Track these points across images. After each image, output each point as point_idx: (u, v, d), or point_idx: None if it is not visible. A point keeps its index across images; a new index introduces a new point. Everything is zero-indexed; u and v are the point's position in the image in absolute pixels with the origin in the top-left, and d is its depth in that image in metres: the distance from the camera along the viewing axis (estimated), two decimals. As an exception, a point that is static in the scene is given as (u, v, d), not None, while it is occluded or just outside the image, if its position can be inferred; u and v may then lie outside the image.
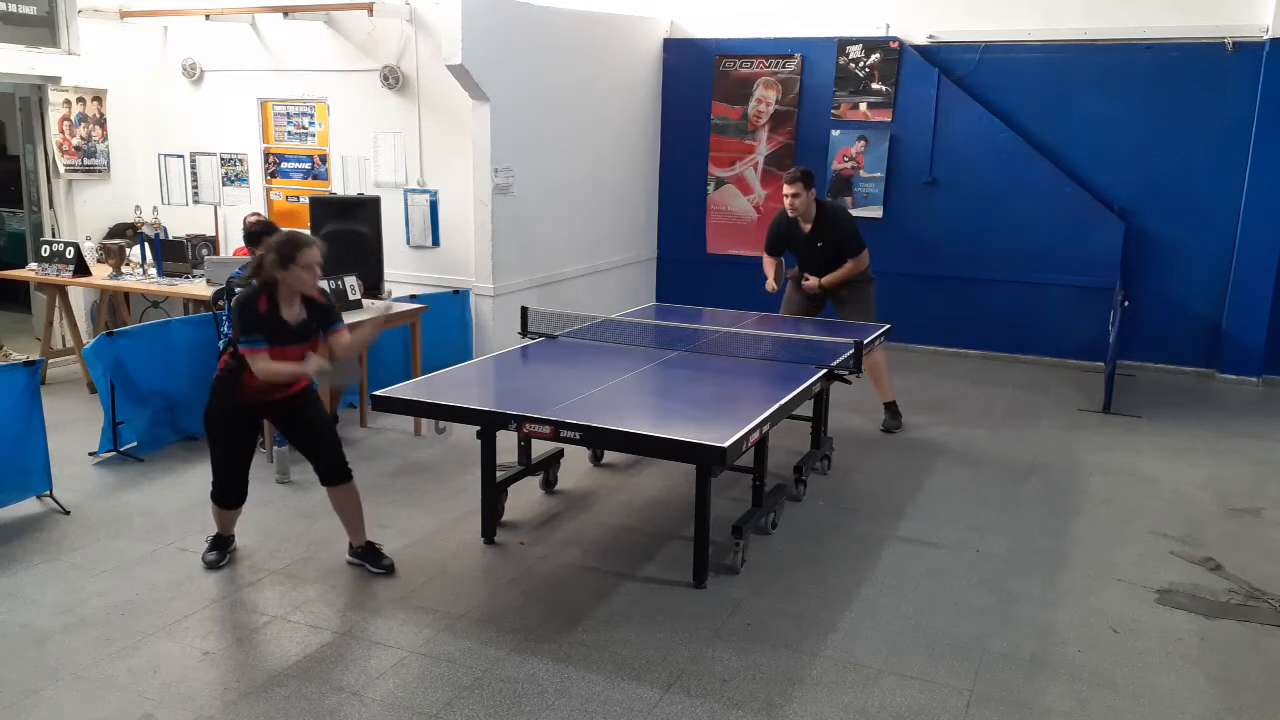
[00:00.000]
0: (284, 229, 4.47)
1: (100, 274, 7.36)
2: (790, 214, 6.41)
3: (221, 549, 4.47)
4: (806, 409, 5.47)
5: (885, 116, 8.76)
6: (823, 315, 6.74)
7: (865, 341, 5.39)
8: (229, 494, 4.34)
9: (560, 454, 5.46)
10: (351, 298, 6.04)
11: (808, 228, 6.42)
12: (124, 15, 8.28)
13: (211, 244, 7.57)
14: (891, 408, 6.70)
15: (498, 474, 4.84)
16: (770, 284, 6.61)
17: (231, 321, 4.29)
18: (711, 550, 4.37)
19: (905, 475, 5.79)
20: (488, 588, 4.31)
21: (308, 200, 7.48)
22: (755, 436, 4.14)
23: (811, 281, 6.51)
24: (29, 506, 4.98)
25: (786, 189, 6.33)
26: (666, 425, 4.21)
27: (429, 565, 4.47)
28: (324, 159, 8.23)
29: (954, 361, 8.71)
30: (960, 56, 8.52)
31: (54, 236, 7.88)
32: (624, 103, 9.02)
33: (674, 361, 5.27)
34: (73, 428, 6.14)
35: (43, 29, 7.69)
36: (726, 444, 3.82)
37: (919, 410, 7.00)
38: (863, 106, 8.82)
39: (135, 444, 5.80)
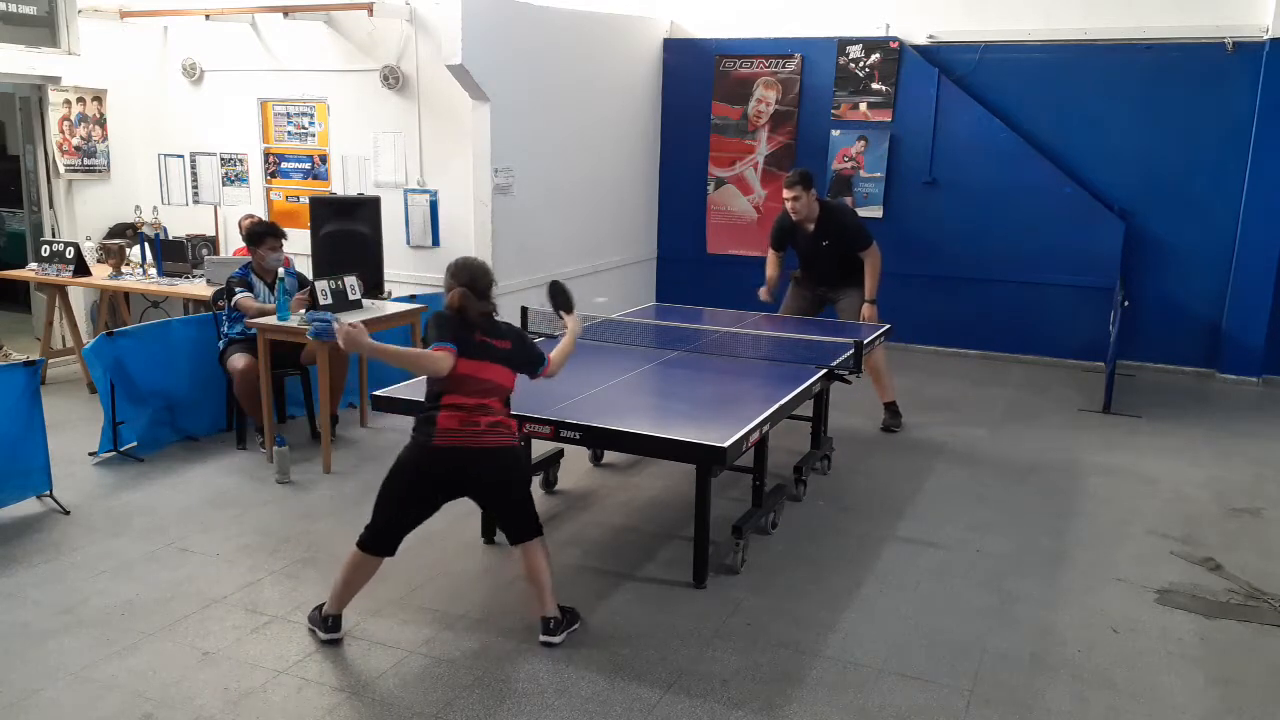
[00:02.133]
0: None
1: (100, 274, 7.36)
2: (793, 217, 6.41)
3: (334, 628, 3.85)
4: (806, 409, 5.47)
5: (885, 116, 8.76)
6: (822, 316, 6.75)
7: (865, 341, 5.39)
8: (380, 540, 3.75)
9: (560, 454, 5.46)
10: (351, 298, 6.04)
11: (811, 227, 6.44)
12: (124, 15, 8.28)
13: (211, 244, 7.58)
14: (892, 407, 6.70)
15: (498, 474, 4.83)
16: (764, 292, 6.60)
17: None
18: (711, 550, 4.37)
19: (905, 475, 5.79)
20: (488, 588, 4.31)
21: (308, 200, 7.48)
22: (755, 436, 4.14)
23: (867, 311, 6.42)
24: (29, 506, 4.98)
25: (786, 193, 6.34)
26: (666, 425, 4.21)
27: (429, 565, 4.46)
28: (324, 159, 8.24)
29: (954, 361, 8.71)
30: (960, 56, 8.52)
31: (54, 236, 7.89)
32: (624, 103, 9.02)
33: (674, 361, 5.27)
34: (73, 428, 6.13)
35: (43, 29, 7.69)
36: (726, 444, 3.82)
37: (919, 410, 7.00)
38: (863, 106, 8.81)
39: (135, 444, 5.80)
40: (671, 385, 4.92)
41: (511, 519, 3.83)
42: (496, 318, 3.81)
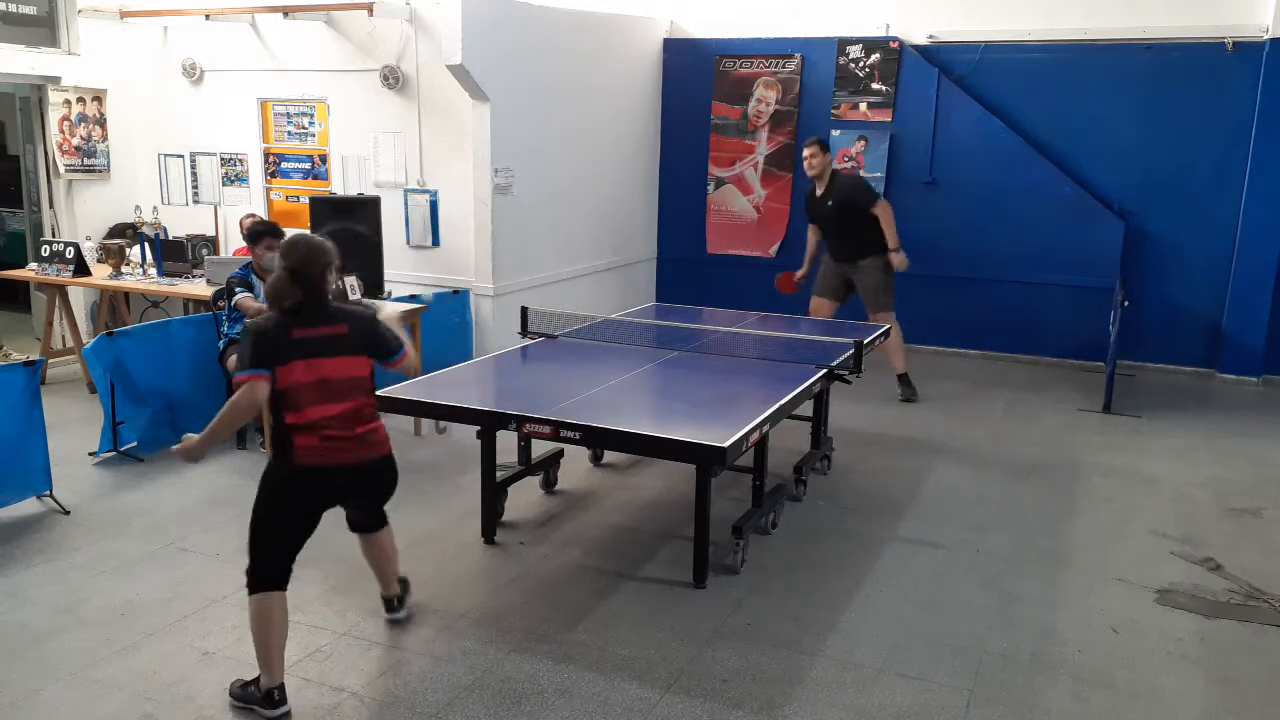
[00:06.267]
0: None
1: (100, 274, 7.36)
2: (809, 173, 7.16)
3: (281, 700, 3.32)
4: (806, 409, 5.47)
5: (885, 116, 8.76)
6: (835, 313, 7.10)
7: (865, 342, 5.40)
8: (273, 574, 3.34)
9: (560, 454, 5.46)
10: (351, 298, 6.04)
11: (821, 190, 7.06)
12: (124, 15, 8.27)
13: (211, 244, 7.58)
14: (904, 379, 7.18)
15: (498, 474, 4.84)
16: (800, 274, 7.41)
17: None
18: (711, 550, 4.37)
19: (905, 475, 5.79)
20: (488, 588, 4.31)
21: (308, 200, 7.48)
22: (755, 436, 4.14)
23: (895, 259, 7.00)
24: (29, 506, 4.98)
25: (805, 151, 7.12)
26: (666, 425, 4.21)
27: (429, 565, 4.46)
28: (324, 159, 8.23)
29: (954, 361, 8.71)
30: (960, 56, 8.51)
31: (54, 236, 7.88)
32: (624, 103, 9.02)
33: (674, 361, 5.27)
34: (73, 428, 6.13)
35: (43, 29, 7.69)
36: (726, 444, 3.82)
37: (919, 409, 7.00)
38: (863, 106, 8.81)
39: (135, 444, 5.80)
40: (671, 385, 4.92)
41: (372, 514, 3.84)
42: (341, 300, 3.53)
